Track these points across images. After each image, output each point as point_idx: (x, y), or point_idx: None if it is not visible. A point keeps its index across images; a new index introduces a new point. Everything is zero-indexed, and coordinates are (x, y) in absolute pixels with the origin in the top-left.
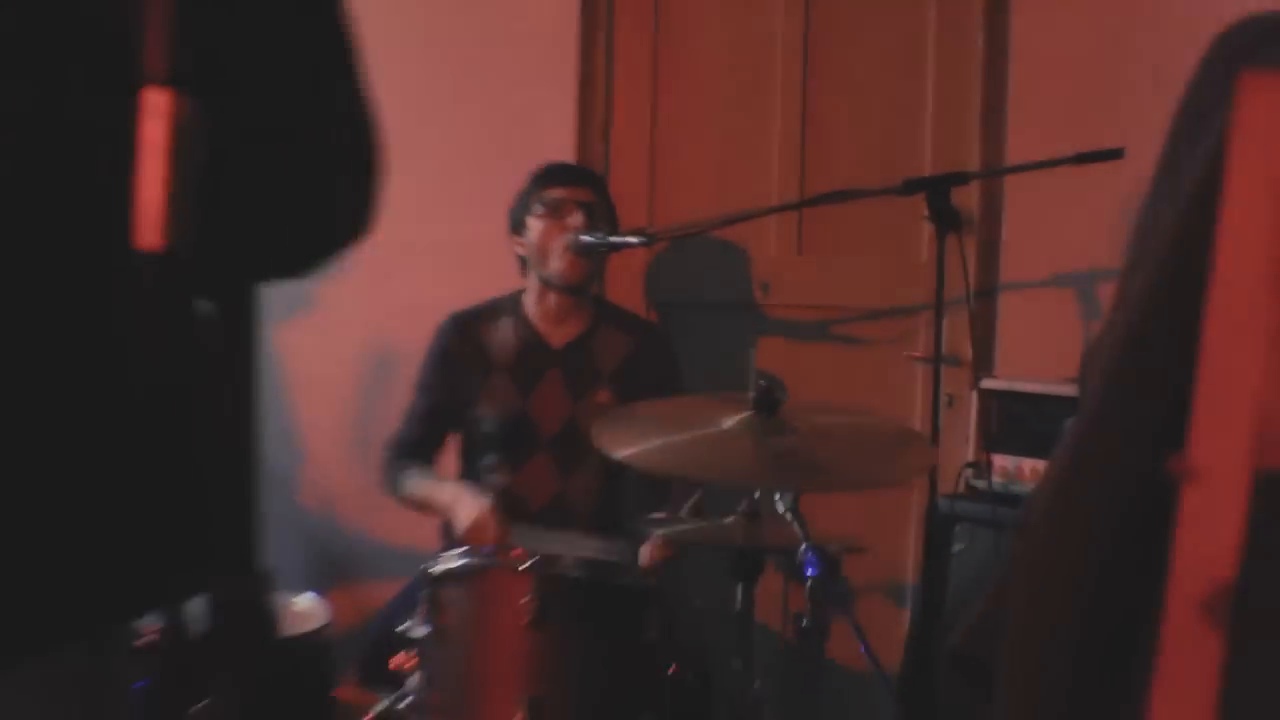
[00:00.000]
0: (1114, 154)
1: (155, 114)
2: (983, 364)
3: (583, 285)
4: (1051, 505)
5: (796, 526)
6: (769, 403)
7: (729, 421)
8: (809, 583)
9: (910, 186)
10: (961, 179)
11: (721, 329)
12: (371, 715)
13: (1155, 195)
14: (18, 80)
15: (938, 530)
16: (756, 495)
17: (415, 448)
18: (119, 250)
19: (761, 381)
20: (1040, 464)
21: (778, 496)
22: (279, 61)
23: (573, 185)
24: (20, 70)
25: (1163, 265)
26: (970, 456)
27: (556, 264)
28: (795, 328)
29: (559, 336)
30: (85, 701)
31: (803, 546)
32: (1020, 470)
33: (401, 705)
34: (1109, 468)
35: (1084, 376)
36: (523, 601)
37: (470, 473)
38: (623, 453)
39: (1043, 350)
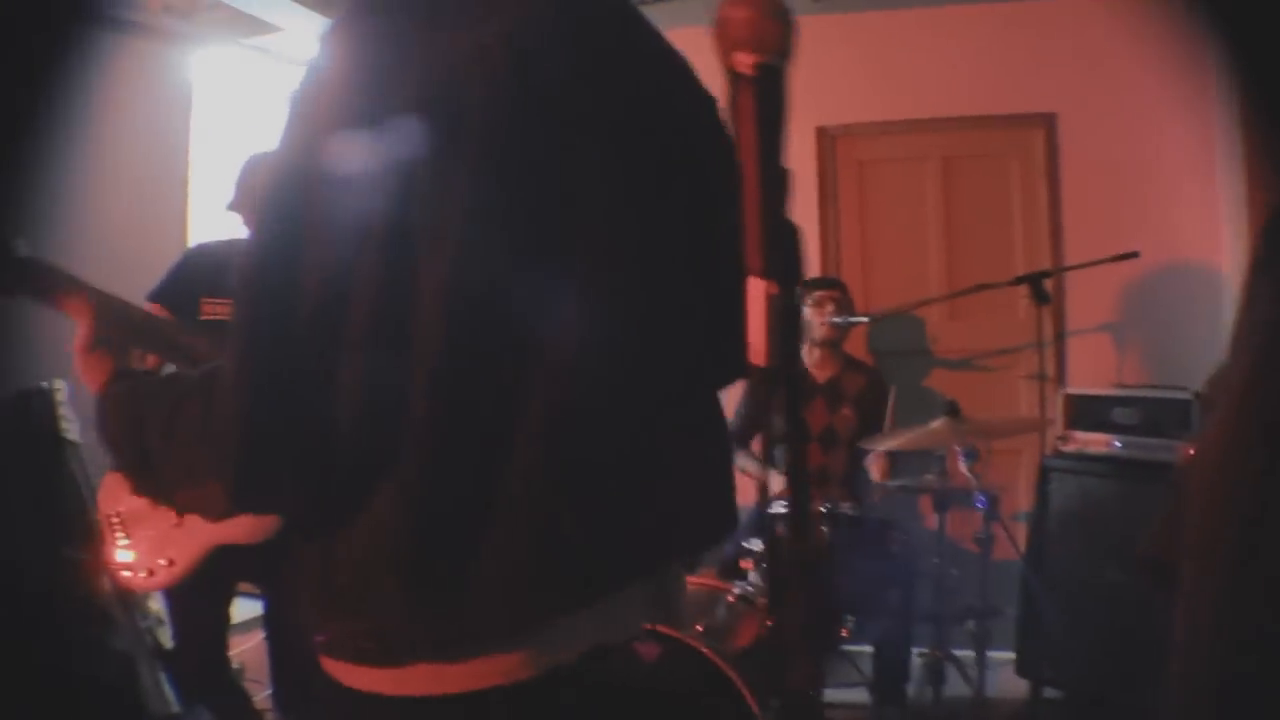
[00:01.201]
0: (1132, 255)
1: (756, 291)
2: (1061, 380)
3: (834, 345)
4: (1217, 473)
5: (973, 478)
6: (954, 408)
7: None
8: (981, 511)
9: (1019, 280)
10: (1047, 274)
11: (909, 366)
12: (734, 594)
13: (1253, 288)
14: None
15: (1042, 475)
16: (946, 461)
17: (741, 439)
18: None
19: (949, 398)
20: (1097, 435)
21: (962, 460)
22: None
23: (827, 289)
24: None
25: (1270, 331)
26: (1060, 432)
27: (819, 333)
28: (950, 364)
29: (821, 376)
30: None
31: (977, 490)
32: (1087, 441)
33: (750, 588)
34: (1244, 449)
35: (1212, 393)
36: (820, 528)
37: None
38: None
39: (1094, 370)
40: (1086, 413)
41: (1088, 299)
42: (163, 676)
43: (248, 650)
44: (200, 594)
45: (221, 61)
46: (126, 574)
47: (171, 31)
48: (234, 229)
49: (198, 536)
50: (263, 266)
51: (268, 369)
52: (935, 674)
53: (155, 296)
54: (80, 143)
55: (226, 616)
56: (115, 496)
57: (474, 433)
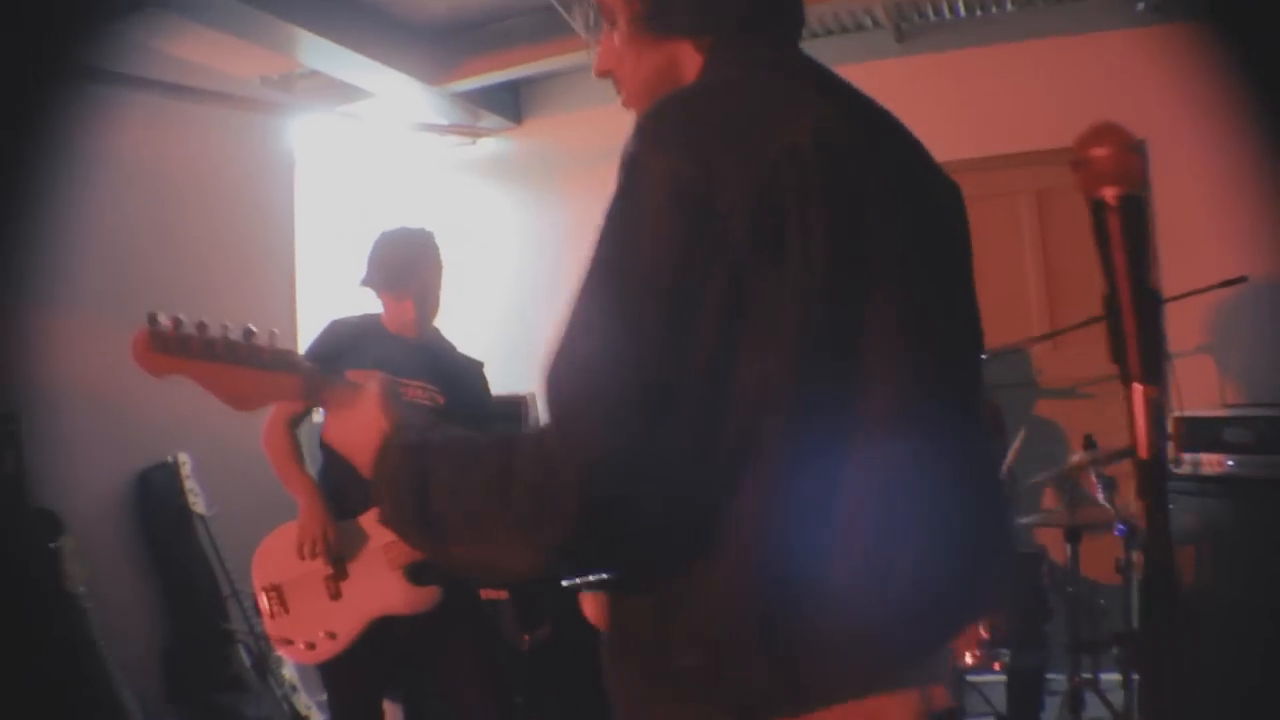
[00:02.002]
0: (1240, 280)
1: (1138, 395)
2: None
3: None
4: None
5: (1110, 506)
6: (1090, 440)
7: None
8: (1121, 538)
9: None
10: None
11: (1017, 397)
12: None
13: None
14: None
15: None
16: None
17: None
18: None
19: (1087, 434)
20: (1211, 456)
21: (1100, 490)
22: None
23: None
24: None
25: None
26: (1170, 454)
27: None
28: (1055, 392)
29: None
30: None
31: (1117, 520)
32: (1198, 461)
33: None
34: None
35: None
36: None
37: None
38: None
39: (1200, 392)
40: (1198, 434)
41: (1188, 320)
42: None
43: None
44: (360, 665)
45: (320, 129)
46: (287, 645)
47: (270, 102)
48: (366, 302)
49: (359, 610)
50: (589, 361)
51: (604, 447)
52: (1075, 700)
53: None
54: (191, 215)
55: (384, 688)
56: (271, 569)
57: (810, 501)
